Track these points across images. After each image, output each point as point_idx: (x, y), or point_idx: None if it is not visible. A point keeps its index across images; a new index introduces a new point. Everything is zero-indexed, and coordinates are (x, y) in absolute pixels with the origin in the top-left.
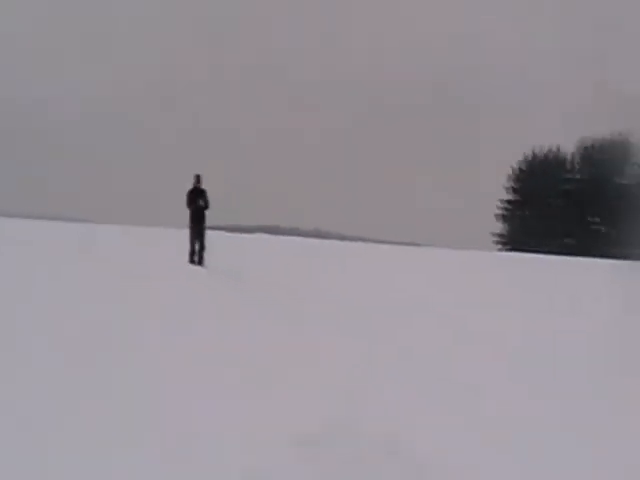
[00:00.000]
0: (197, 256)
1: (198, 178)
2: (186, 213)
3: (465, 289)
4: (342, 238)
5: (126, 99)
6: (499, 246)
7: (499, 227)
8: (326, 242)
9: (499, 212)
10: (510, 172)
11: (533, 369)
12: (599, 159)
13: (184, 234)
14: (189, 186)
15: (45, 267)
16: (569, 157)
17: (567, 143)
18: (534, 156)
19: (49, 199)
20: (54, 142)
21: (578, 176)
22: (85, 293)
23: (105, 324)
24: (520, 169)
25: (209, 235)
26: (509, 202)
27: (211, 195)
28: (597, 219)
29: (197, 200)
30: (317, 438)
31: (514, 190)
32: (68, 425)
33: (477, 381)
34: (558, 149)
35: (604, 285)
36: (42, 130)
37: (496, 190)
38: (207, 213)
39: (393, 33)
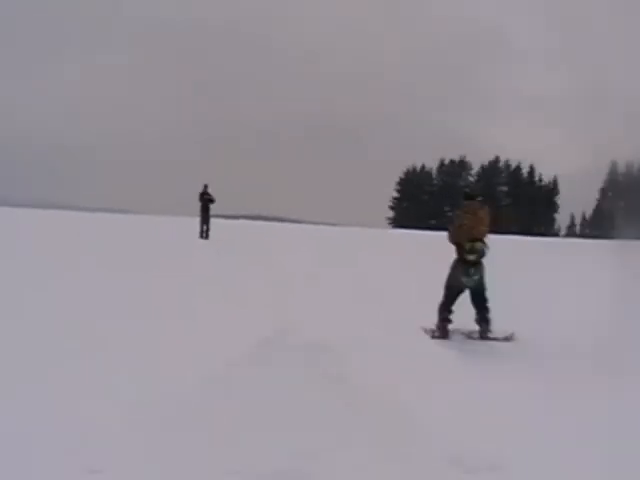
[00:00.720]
0: (204, 233)
1: (206, 186)
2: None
3: (360, 245)
4: (297, 221)
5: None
6: (390, 225)
7: (390, 213)
8: (284, 224)
9: (390, 204)
10: (397, 179)
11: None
12: (450, 172)
13: (195, 220)
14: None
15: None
16: (432, 170)
17: (431, 162)
18: (411, 170)
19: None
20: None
21: (437, 182)
22: (136, 247)
23: (151, 258)
24: (403, 178)
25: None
26: (396, 198)
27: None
28: (449, 208)
29: (205, 198)
30: (269, 342)
31: (399, 191)
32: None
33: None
34: (424, 166)
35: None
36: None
37: (390, 190)
38: (211, 206)
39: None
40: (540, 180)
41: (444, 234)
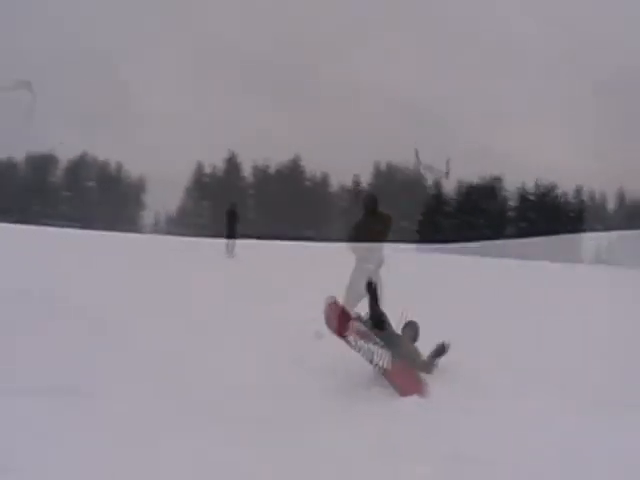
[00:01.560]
0: (230, 251)
1: (233, 204)
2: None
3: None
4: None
5: None
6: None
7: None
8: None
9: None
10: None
11: None
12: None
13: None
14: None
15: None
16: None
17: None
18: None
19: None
20: None
21: (459, 198)
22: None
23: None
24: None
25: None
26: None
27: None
28: (482, 221)
29: (231, 216)
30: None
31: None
32: None
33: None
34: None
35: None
36: None
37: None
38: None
39: None
40: (566, 201)
41: (469, 245)
